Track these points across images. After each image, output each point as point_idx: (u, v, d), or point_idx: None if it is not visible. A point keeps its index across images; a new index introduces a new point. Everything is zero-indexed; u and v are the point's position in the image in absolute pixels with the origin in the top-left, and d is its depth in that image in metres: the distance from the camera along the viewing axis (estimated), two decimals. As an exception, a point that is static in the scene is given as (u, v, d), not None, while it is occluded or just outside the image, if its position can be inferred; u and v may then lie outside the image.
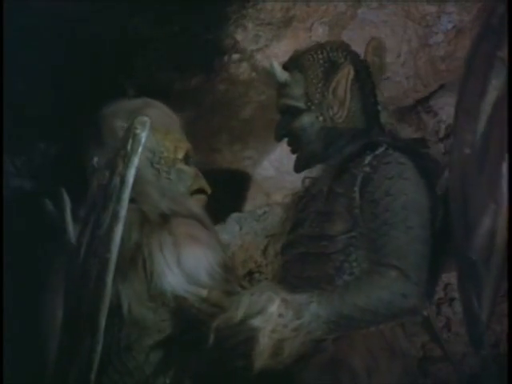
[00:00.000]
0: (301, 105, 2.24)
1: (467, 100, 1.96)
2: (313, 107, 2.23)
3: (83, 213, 2.11)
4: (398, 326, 2.00)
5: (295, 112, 2.24)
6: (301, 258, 2.13)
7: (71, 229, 2.11)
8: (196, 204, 2.27)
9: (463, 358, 2.83)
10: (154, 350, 2.10)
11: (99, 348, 1.92)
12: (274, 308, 1.90)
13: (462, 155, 1.94)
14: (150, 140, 2.15)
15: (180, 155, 2.30)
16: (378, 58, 2.33)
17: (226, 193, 3.10)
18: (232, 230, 3.14)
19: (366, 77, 2.29)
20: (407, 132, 3.09)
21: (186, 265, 2.06)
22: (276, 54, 2.85)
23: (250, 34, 2.85)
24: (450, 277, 2.57)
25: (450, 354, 2.57)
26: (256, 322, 1.88)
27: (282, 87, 2.27)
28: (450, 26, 2.92)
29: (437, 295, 2.87)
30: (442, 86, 3.07)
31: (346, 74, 2.22)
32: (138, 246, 2.08)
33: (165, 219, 2.12)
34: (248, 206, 3.16)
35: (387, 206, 2.02)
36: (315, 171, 2.31)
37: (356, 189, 2.07)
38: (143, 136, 1.97)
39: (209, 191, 2.35)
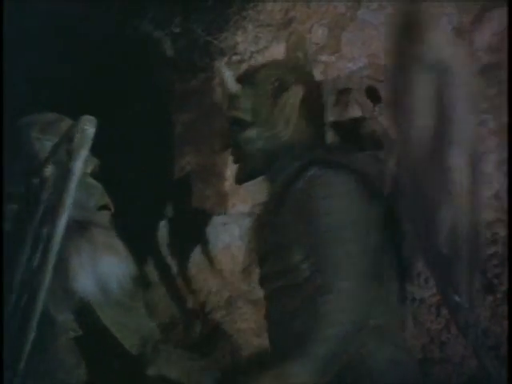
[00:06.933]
0: (247, 118, 2.21)
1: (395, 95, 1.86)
2: (259, 122, 2.20)
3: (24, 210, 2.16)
4: None
5: (242, 124, 2.22)
6: (280, 291, 2.08)
7: None
8: (104, 217, 2.35)
9: (462, 359, 2.83)
10: (66, 349, 2.15)
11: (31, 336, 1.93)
12: None
13: (409, 151, 1.84)
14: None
15: (89, 169, 2.35)
16: (302, 52, 2.31)
17: (225, 192, 3.11)
18: (231, 230, 3.13)
19: (316, 98, 2.27)
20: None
21: (99, 270, 2.14)
22: (275, 56, 2.86)
23: (250, 35, 2.86)
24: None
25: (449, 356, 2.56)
26: None
27: (232, 99, 2.25)
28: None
29: (435, 297, 2.87)
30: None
31: (294, 94, 2.18)
32: None
33: (82, 226, 2.19)
34: (248, 205, 3.16)
35: (322, 225, 1.99)
36: (264, 197, 2.25)
37: (296, 212, 2.03)
38: (91, 132, 2.02)
39: (112, 209, 2.41)
